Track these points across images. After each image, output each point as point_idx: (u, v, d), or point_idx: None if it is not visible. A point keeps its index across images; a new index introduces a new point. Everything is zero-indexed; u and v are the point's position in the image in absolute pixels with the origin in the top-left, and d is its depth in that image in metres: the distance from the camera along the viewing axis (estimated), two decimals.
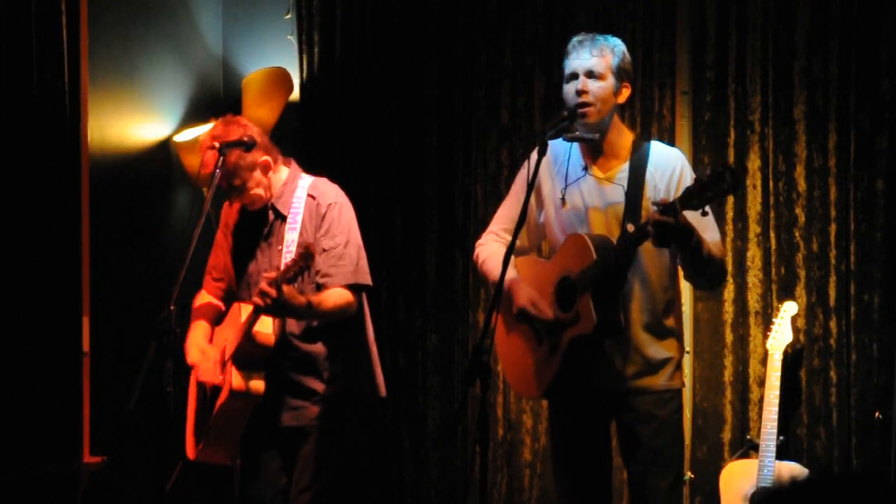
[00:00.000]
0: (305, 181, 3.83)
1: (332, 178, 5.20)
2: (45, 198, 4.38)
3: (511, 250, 3.17)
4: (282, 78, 5.13)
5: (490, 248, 3.64)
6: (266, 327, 3.67)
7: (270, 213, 3.80)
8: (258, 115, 5.07)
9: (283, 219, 3.77)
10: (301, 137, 5.28)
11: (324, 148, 5.23)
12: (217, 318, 3.93)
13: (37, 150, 4.36)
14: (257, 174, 3.72)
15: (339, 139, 5.23)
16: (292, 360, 3.76)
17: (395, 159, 5.18)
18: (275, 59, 5.28)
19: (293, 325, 3.76)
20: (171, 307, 3.42)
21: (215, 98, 5.46)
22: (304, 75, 5.26)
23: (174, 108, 5.26)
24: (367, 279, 3.79)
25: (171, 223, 5.24)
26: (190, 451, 3.89)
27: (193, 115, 5.28)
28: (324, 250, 3.71)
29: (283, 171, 3.82)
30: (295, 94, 5.23)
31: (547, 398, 3.66)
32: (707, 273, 3.38)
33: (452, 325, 5.08)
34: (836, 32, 4.53)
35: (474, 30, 5.07)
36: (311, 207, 3.78)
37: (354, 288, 3.73)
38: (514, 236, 3.20)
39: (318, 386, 3.78)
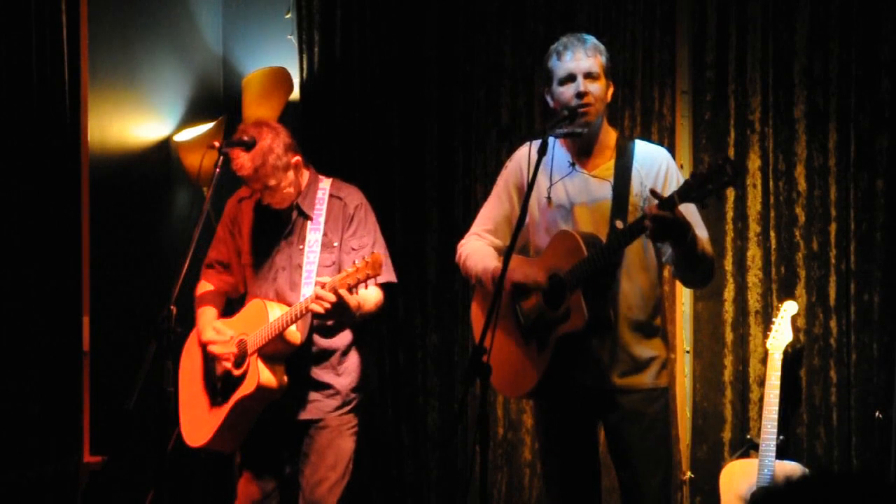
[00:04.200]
0: (325, 183, 3.95)
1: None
2: (45, 198, 4.38)
3: (511, 249, 3.16)
4: (282, 78, 5.14)
5: (472, 246, 3.64)
6: (293, 325, 3.77)
7: (294, 212, 3.89)
8: (258, 115, 5.07)
9: (307, 218, 3.86)
10: (301, 137, 5.27)
11: (324, 148, 5.24)
12: (221, 307, 4.02)
13: (37, 149, 4.36)
14: (290, 174, 3.82)
15: (339, 139, 5.23)
16: (310, 354, 3.86)
17: (395, 159, 5.18)
18: (275, 59, 5.28)
19: (315, 321, 3.83)
20: (172, 307, 3.44)
21: (215, 98, 5.46)
22: (304, 75, 5.27)
23: (174, 108, 5.26)
24: (394, 277, 3.94)
25: (171, 223, 5.24)
26: (192, 439, 3.95)
27: (193, 115, 5.28)
28: (353, 250, 3.85)
29: (305, 174, 3.93)
30: (295, 94, 5.23)
31: (533, 398, 3.64)
32: (698, 270, 3.37)
33: (452, 324, 5.09)
34: (836, 32, 4.53)
35: (474, 30, 5.07)
36: (335, 208, 3.89)
37: (385, 286, 3.87)
38: (515, 236, 3.19)
39: (333, 380, 3.89)
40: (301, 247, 3.85)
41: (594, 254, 3.27)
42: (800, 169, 4.59)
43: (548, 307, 3.36)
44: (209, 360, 3.93)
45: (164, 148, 5.21)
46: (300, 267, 3.83)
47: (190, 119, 5.26)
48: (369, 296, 3.78)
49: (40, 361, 4.33)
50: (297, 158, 3.84)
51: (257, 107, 5.07)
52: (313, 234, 3.85)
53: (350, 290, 3.57)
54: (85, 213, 4.56)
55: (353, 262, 3.58)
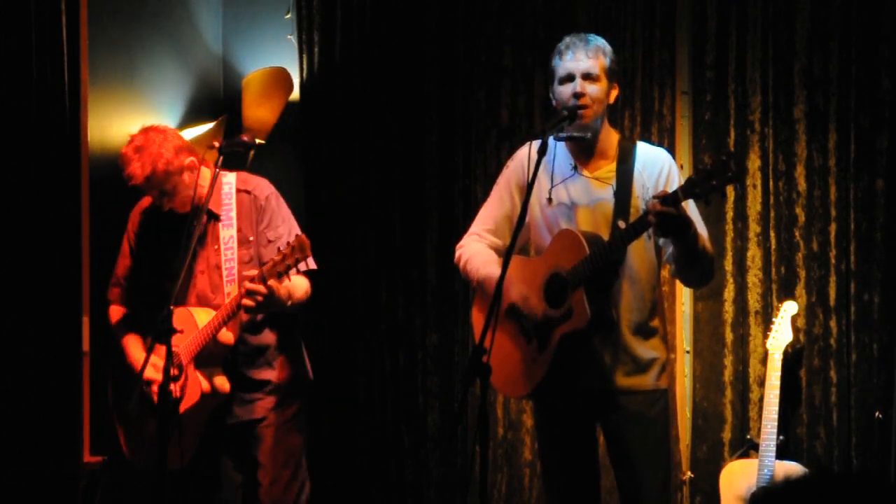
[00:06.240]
0: (230, 177, 3.87)
1: (332, 178, 5.23)
2: (45, 198, 4.38)
3: (511, 249, 3.16)
4: (282, 78, 5.13)
5: (472, 248, 3.62)
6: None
7: (202, 213, 3.78)
8: (258, 115, 5.08)
9: (217, 218, 3.79)
10: (301, 137, 5.28)
11: (324, 148, 5.24)
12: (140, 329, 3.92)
13: (37, 149, 4.36)
14: (186, 177, 3.73)
15: (339, 139, 5.23)
16: (242, 354, 3.80)
17: (395, 159, 5.18)
18: (275, 59, 5.28)
19: (242, 319, 3.76)
20: (171, 307, 3.42)
21: (215, 98, 5.46)
22: (304, 75, 5.26)
23: (174, 108, 5.26)
24: (314, 264, 3.80)
25: None
26: (138, 459, 3.90)
27: (193, 115, 5.28)
28: (269, 242, 3.76)
29: (206, 171, 3.81)
30: (295, 94, 5.23)
31: (533, 398, 3.64)
32: (697, 268, 3.36)
33: (452, 325, 5.09)
34: (836, 32, 4.53)
35: (474, 30, 5.07)
36: (245, 202, 3.81)
37: (309, 274, 3.78)
38: (515, 236, 3.19)
39: (269, 376, 3.83)
40: (216, 247, 3.78)
41: (596, 252, 3.27)
42: (800, 169, 4.59)
43: (549, 306, 3.36)
44: (137, 383, 3.80)
45: None
46: (219, 267, 3.76)
47: (190, 119, 5.26)
48: (298, 284, 3.72)
49: (40, 361, 4.33)
50: (192, 159, 3.74)
51: (257, 107, 5.07)
52: (227, 231, 3.77)
53: (280, 277, 3.49)
54: (85, 213, 4.55)
55: (278, 249, 3.49)
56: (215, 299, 3.77)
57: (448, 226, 5.07)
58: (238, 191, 3.82)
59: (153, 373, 3.73)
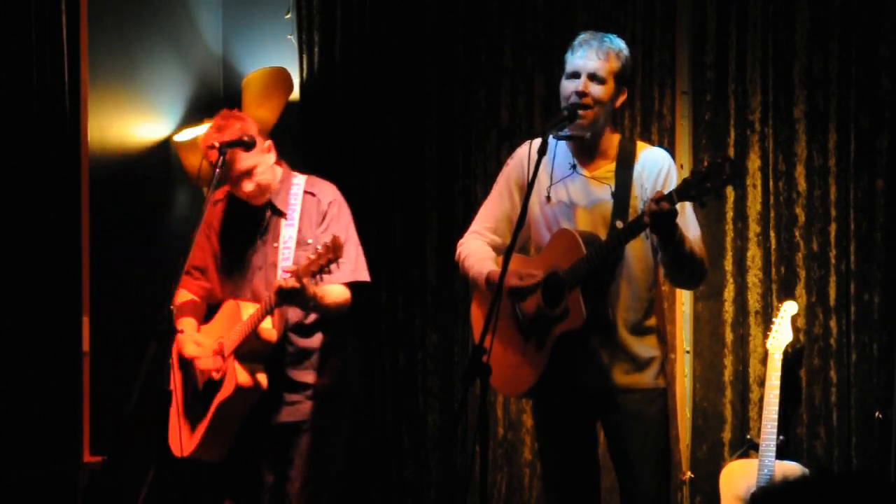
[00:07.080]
0: (300, 179, 3.90)
1: (332, 178, 5.22)
2: (45, 198, 4.39)
3: (512, 248, 3.16)
4: (282, 78, 5.13)
5: (471, 246, 3.63)
6: (268, 322, 3.72)
7: (268, 210, 3.83)
8: (258, 115, 5.07)
9: (281, 215, 3.81)
10: (301, 137, 5.28)
11: (324, 148, 5.24)
12: (200, 316, 3.96)
13: (37, 149, 4.36)
14: (264, 158, 3.79)
15: (339, 139, 5.23)
16: (288, 354, 3.81)
17: (395, 159, 5.18)
18: (275, 59, 5.28)
19: (291, 320, 3.79)
20: (172, 307, 3.43)
21: (215, 98, 5.46)
22: (304, 75, 5.27)
23: (174, 108, 5.26)
24: (365, 276, 3.87)
25: (171, 223, 5.24)
26: (178, 449, 3.91)
27: (193, 115, 5.28)
28: None
29: (278, 170, 3.87)
30: (295, 94, 5.23)
31: (531, 397, 3.64)
32: (686, 270, 3.36)
33: (452, 324, 5.08)
34: (836, 32, 4.53)
35: (474, 30, 5.07)
36: (310, 204, 3.84)
37: (352, 285, 3.81)
38: (515, 235, 3.19)
39: (313, 380, 3.83)
40: (276, 245, 3.80)
41: (593, 252, 3.27)
42: (800, 169, 4.59)
43: (547, 306, 3.36)
44: (190, 371, 3.87)
45: (164, 148, 5.21)
46: (275, 266, 3.78)
47: (190, 119, 5.26)
48: (332, 291, 3.73)
49: (40, 361, 4.33)
50: (270, 143, 3.81)
51: (257, 107, 5.07)
52: (288, 231, 3.79)
53: (314, 276, 3.51)
54: (85, 213, 4.56)
55: (316, 248, 3.52)
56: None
57: (448, 226, 5.07)
58: (305, 192, 3.85)
59: (194, 349, 3.79)
